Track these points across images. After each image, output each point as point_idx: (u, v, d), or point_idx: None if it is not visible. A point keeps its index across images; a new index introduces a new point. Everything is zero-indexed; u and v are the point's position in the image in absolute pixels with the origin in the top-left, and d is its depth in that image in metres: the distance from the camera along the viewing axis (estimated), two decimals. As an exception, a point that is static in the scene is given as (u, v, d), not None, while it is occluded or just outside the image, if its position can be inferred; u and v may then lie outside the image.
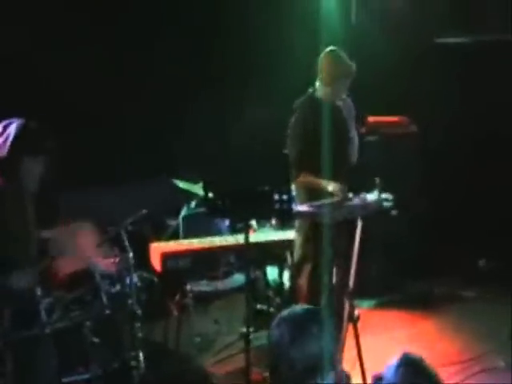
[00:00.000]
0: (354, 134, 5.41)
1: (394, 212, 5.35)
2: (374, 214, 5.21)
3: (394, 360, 2.57)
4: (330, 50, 5.19)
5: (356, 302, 5.20)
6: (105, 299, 4.12)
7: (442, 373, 2.66)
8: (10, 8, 6.03)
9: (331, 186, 5.08)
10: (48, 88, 6.10)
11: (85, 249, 4.45)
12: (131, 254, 4.42)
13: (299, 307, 2.77)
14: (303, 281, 5.22)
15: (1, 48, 5.86)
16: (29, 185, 4.17)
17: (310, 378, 2.57)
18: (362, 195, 5.08)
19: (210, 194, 4.45)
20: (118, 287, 4.31)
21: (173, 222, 6.24)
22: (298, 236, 5.26)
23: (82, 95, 6.31)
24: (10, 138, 4.01)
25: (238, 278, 5.61)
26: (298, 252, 5.27)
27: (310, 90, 5.27)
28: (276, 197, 4.41)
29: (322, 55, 5.20)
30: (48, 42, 6.19)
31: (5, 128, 4.06)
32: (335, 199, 5.04)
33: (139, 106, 6.71)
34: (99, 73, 6.48)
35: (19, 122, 4.06)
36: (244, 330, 4.57)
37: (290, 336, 2.59)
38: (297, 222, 5.28)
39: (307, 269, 5.19)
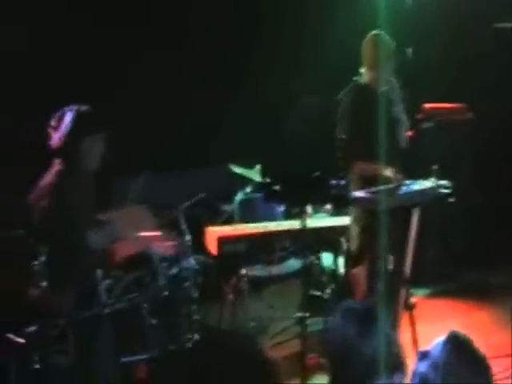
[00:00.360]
0: (402, 117, 5.35)
1: (451, 199, 5.27)
2: (431, 201, 5.17)
3: (441, 338, 2.53)
4: (374, 34, 5.18)
5: (411, 291, 5.16)
6: (163, 281, 4.15)
7: (497, 365, 2.63)
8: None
9: (388, 171, 5.04)
10: (107, 80, 6.21)
11: (143, 232, 4.50)
12: (189, 237, 4.44)
13: (359, 303, 2.72)
14: (360, 270, 5.18)
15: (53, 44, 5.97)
16: (90, 165, 4.25)
17: (378, 370, 2.54)
18: (419, 182, 5.05)
19: (268, 179, 4.47)
20: (175, 270, 4.34)
21: (227, 208, 6.25)
22: (354, 226, 5.22)
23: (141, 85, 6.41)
24: (67, 124, 4.14)
25: (293, 263, 5.59)
26: (355, 242, 5.23)
27: (355, 78, 5.24)
28: (333, 182, 4.40)
29: (365, 39, 5.19)
30: (98, 34, 6.28)
31: (60, 118, 4.19)
32: (392, 185, 5.00)
33: (194, 91, 6.76)
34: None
35: (72, 109, 4.19)
36: (299, 314, 4.58)
37: (358, 330, 2.56)
38: (353, 212, 5.24)
39: (365, 259, 5.15)
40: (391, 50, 5.17)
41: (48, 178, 4.18)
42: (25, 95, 5.79)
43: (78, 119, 4.14)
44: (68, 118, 4.14)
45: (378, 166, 5.04)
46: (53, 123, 4.18)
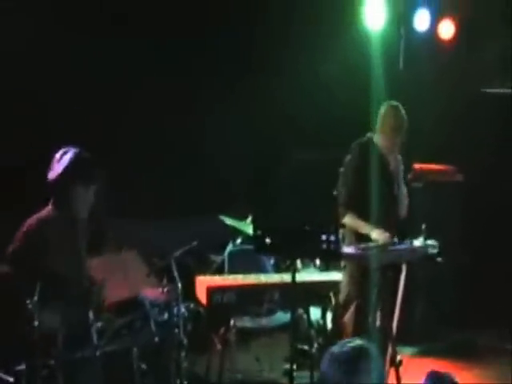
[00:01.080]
0: (400, 190, 5.44)
1: (439, 259, 5.34)
2: (419, 260, 5.23)
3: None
4: (392, 103, 5.39)
5: (398, 349, 5.16)
6: (153, 327, 4.15)
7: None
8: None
9: (375, 233, 5.11)
10: (100, 119, 6.28)
11: (134, 278, 4.51)
12: (180, 285, 4.46)
13: (348, 343, 2.68)
14: (348, 319, 5.22)
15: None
16: (80, 212, 4.28)
17: None
18: (408, 241, 5.12)
19: (258, 232, 4.50)
20: (165, 316, 4.34)
21: (217, 258, 6.28)
22: (344, 275, 5.29)
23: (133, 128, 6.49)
24: (66, 165, 4.17)
25: (281, 317, 5.59)
26: (343, 291, 5.29)
27: (369, 134, 5.38)
28: (323, 237, 4.45)
29: (383, 106, 5.39)
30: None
31: (61, 157, 4.21)
32: (381, 243, 5.07)
33: (189, 139, 6.86)
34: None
35: (74, 151, 4.22)
36: (287, 366, 4.57)
37: (343, 376, 2.54)
38: (343, 262, 5.30)
39: (351, 308, 5.19)
40: (403, 121, 5.33)
41: (36, 216, 4.21)
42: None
43: (75, 164, 4.17)
44: (67, 158, 4.17)
45: (365, 225, 5.13)
46: (56, 160, 4.22)
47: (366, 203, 5.04)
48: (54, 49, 6.14)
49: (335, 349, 2.65)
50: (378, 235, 5.09)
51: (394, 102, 5.39)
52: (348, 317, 5.22)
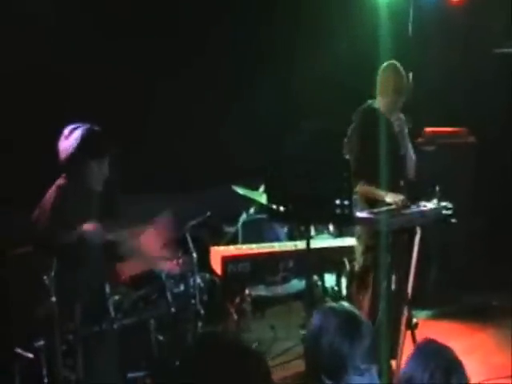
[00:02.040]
0: (406, 151, 5.40)
1: (453, 220, 5.33)
2: (433, 222, 5.21)
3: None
4: (390, 63, 5.26)
5: (413, 312, 5.18)
6: (170, 298, 4.18)
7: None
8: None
9: (389, 197, 5.09)
10: (113, 95, 6.26)
11: (148, 251, 4.54)
12: (195, 255, 4.48)
13: (334, 305, 2.87)
14: (365, 290, 5.22)
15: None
16: (94, 185, 4.29)
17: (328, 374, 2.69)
18: (421, 203, 5.10)
19: (271, 200, 4.51)
20: (181, 287, 4.38)
21: (230, 229, 6.30)
22: (358, 245, 5.28)
23: (144, 104, 6.47)
24: (77, 142, 4.16)
25: (296, 284, 5.60)
26: (359, 261, 5.28)
27: (370, 101, 5.33)
28: (337, 201, 4.44)
29: (381, 67, 5.27)
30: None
31: (71, 132, 4.21)
32: (394, 207, 5.06)
33: (197, 112, 6.85)
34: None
35: (84, 126, 4.22)
36: (303, 333, 4.60)
37: (314, 330, 2.73)
38: (357, 231, 5.30)
39: (369, 278, 5.19)
40: (404, 81, 5.25)
41: (50, 194, 4.21)
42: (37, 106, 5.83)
43: (87, 139, 4.18)
44: (78, 134, 4.17)
45: (378, 191, 5.12)
46: (64, 136, 4.21)
47: (374, 168, 5.02)
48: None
49: (336, 304, 2.89)
50: (392, 198, 5.09)
51: (394, 62, 5.24)
52: (365, 288, 5.21)
